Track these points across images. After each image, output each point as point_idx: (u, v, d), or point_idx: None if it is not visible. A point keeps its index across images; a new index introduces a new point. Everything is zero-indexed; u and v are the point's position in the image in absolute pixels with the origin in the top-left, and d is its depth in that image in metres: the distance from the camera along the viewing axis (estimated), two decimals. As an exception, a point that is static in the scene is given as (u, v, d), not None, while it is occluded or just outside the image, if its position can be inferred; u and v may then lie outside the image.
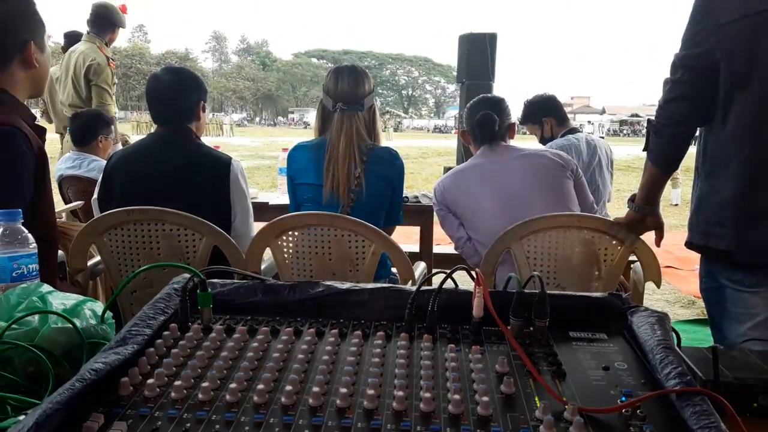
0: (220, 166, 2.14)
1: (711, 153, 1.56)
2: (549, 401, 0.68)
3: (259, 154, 18.96)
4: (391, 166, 2.15)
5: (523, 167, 2.18)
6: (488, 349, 0.82)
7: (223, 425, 0.63)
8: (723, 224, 1.49)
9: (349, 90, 2.14)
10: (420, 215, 3.08)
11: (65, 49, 4.54)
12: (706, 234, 1.54)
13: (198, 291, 0.86)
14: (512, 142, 2.34)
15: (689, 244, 1.63)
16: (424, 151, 23.18)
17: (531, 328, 0.87)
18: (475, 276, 0.86)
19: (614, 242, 1.95)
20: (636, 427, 0.64)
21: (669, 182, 9.96)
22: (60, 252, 2.27)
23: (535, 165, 2.19)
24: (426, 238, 3.19)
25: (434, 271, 0.91)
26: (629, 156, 18.27)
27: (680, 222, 7.74)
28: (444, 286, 0.93)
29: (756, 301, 1.50)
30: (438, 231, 3.09)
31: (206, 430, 0.62)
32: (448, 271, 0.91)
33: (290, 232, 1.93)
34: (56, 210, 1.82)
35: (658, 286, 2.03)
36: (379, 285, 0.95)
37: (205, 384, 0.68)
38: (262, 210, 2.87)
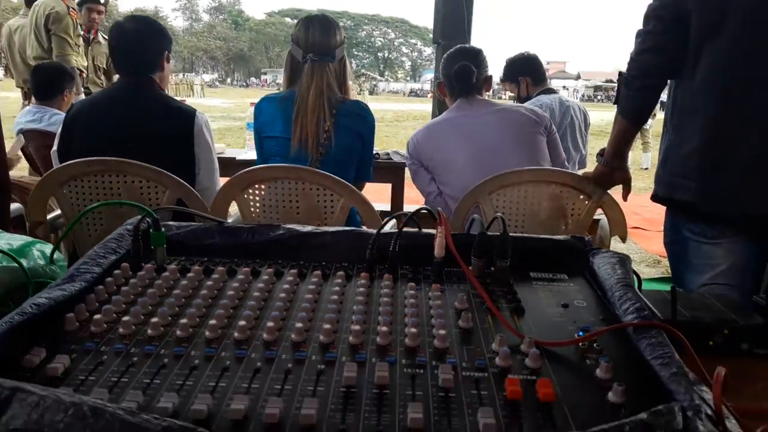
0: (183, 118, 2.08)
1: (680, 105, 1.56)
2: (506, 335, 0.67)
3: (230, 115, 18.62)
4: (361, 120, 2.11)
5: (497, 122, 2.16)
6: (448, 288, 0.81)
7: (171, 359, 0.61)
8: (688, 176, 1.50)
9: (320, 40, 2.08)
10: (391, 172, 3.06)
11: (28, 2, 4.35)
12: (672, 186, 1.55)
13: (151, 230, 0.83)
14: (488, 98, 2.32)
15: (655, 197, 1.64)
16: (399, 114, 23.02)
17: (492, 269, 0.86)
18: (437, 216, 0.85)
19: (582, 197, 1.96)
20: (592, 359, 0.64)
21: (640, 146, 9.97)
22: (19, 205, 2.20)
23: (509, 120, 2.18)
24: (397, 196, 3.17)
25: (398, 213, 0.89)
26: (602, 121, 18.37)
27: (649, 185, 7.81)
28: (408, 230, 0.92)
29: (717, 252, 1.52)
30: (409, 191, 3.08)
31: (154, 363, 0.60)
32: (411, 213, 0.89)
33: (257, 186, 1.89)
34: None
35: (624, 240, 2.05)
36: (341, 228, 0.93)
37: (154, 320, 0.66)
38: (229, 165, 2.81)
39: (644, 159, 10.05)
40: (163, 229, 0.83)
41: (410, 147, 2.25)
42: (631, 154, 1.96)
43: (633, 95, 1.63)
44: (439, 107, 5.21)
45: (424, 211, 0.89)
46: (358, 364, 0.61)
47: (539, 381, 0.58)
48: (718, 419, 0.54)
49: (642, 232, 5.32)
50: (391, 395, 0.56)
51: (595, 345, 0.66)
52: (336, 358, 0.62)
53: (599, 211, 2.00)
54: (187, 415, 0.51)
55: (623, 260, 0.85)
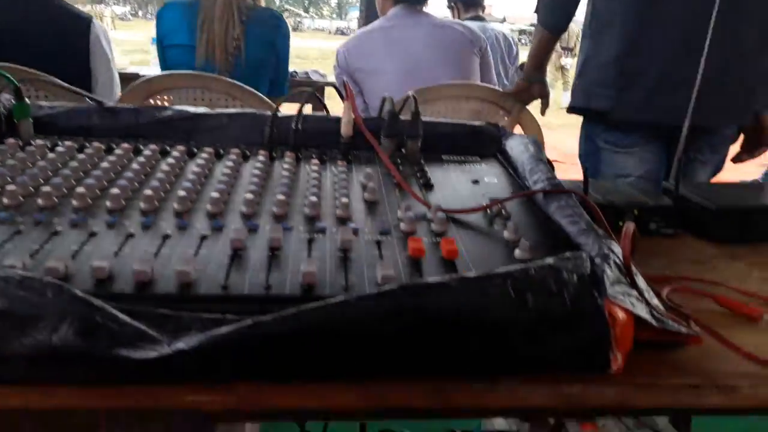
0: (78, 24, 1.89)
1: (598, 14, 1.54)
2: (413, 205, 0.63)
3: (143, 49, 17.49)
4: (274, 28, 1.98)
5: (432, 36, 2.08)
6: (355, 167, 0.75)
7: (30, 225, 0.52)
8: (605, 84, 1.49)
9: None
10: (310, 95, 2.93)
11: None
12: (589, 95, 1.55)
13: (14, 101, 0.72)
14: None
15: (571, 109, 1.64)
16: (325, 52, 22.38)
17: (403, 151, 0.81)
18: (344, 92, 0.78)
19: (501, 113, 1.94)
20: (500, 224, 0.61)
21: (561, 85, 10.12)
22: None
23: (444, 36, 2.10)
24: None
25: (301, 89, 0.82)
26: (525, 62, 18.56)
27: (568, 122, 8.04)
28: (315, 113, 0.86)
29: (629, 162, 1.55)
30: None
31: (7, 230, 0.51)
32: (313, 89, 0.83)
33: (158, 96, 1.74)
34: None
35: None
36: (240, 110, 0.85)
37: (11, 188, 0.57)
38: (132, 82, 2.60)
39: (564, 98, 10.27)
40: (27, 100, 0.72)
41: (339, 57, 2.13)
42: (552, 93, 1.95)
43: (553, 2, 1.60)
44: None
45: (330, 86, 0.82)
46: (249, 230, 0.55)
47: (443, 239, 0.54)
48: (627, 270, 0.52)
49: (558, 164, 5.43)
50: (284, 255, 0.51)
51: (503, 212, 0.63)
52: (223, 226, 0.56)
53: (518, 131, 2.00)
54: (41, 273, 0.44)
55: (537, 141, 0.82)
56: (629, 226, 0.55)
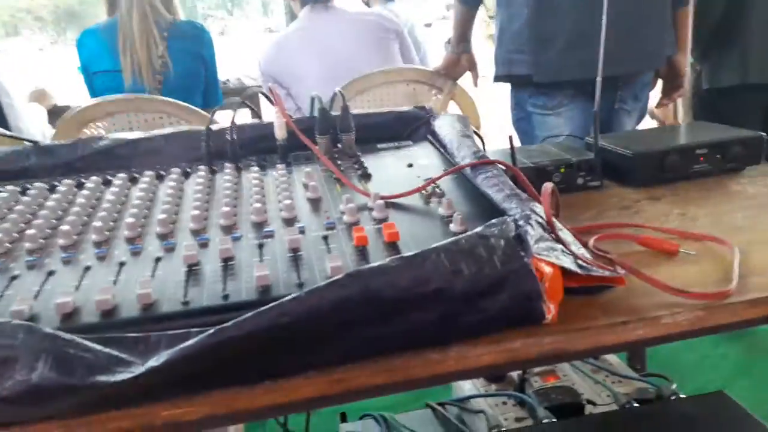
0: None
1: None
2: (353, 196, 0.67)
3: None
4: (198, 39, 1.98)
5: (348, 30, 2.10)
6: (295, 168, 0.79)
7: (-15, 275, 0.54)
8: (521, 50, 1.56)
9: None
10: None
11: None
12: (509, 62, 1.61)
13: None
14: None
15: (496, 78, 1.69)
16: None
17: (339, 146, 0.85)
18: (271, 97, 0.81)
19: (433, 92, 1.99)
20: (435, 202, 0.65)
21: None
22: None
23: (361, 27, 2.12)
24: (257, 125, 3.05)
25: (230, 100, 0.85)
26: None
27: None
28: (251, 122, 0.88)
29: (558, 122, 1.62)
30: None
31: (-37, 282, 0.53)
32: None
33: (92, 124, 1.72)
34: None
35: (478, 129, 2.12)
36: (175, 129, 0.87)
37: (-40, 241, 0.58)
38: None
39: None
40: (-39, 154, 0.73)
41: (261, 65, 2.14)
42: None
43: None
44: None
45: (259, 92, 0.85)
46: (200, 245, 0.58)
47: (384, 225, 0.58)
48: (550, 227, 0.57)
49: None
50: (236, 265, 0.54)
51: (437, 189, 0.67)
52: (175, 244, 0.58)
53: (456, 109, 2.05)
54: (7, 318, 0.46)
55: (462, 118, 0.87)
56: (547, 187, 0.60)
